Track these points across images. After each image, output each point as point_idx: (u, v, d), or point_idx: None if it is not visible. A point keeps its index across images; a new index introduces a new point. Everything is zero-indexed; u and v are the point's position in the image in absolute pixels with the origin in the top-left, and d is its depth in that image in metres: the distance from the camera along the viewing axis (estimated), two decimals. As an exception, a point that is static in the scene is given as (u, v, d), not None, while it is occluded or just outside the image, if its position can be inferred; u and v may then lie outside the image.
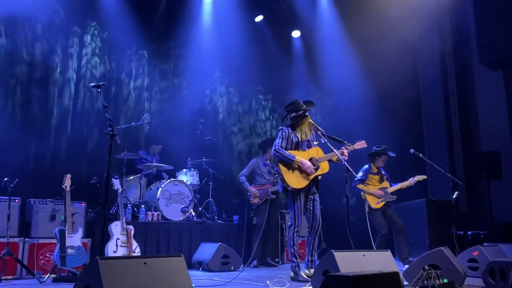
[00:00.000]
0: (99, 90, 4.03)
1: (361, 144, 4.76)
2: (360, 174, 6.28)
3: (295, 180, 4.58)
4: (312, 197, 4.67)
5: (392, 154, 6.33)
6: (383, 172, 6.37)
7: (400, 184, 6.23)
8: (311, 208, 4.65)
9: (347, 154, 4.54)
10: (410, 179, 6.21)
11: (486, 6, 7.26)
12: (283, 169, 4.61)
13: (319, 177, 4.76)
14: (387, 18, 7.64)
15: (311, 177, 4.59)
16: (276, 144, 4.66)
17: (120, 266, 2.48)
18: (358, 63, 8.28)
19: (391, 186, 6.27)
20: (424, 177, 6.27)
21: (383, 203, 6.15)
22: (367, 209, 6.16)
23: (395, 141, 6.48)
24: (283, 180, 4.62)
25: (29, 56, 6.46)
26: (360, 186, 6.22)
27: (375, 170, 6.30)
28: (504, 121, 7.53)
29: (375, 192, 6.18)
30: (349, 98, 8.13)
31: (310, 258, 4.63)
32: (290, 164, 4.56)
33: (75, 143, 6.82)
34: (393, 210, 6.24)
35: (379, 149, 6.27)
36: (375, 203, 6.14)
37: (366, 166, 6.36)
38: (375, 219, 6.13)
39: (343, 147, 4.62)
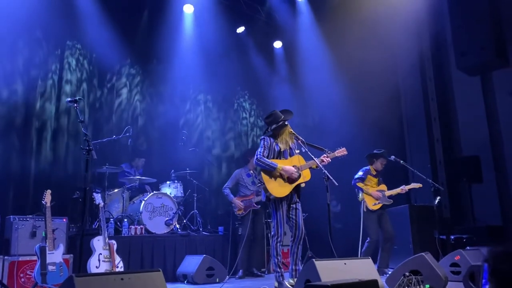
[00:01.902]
0: (75, 105, 4.02)
1: (341, 152, 4.79)
2: (360, 173, 6.26)
3: (277, 189, 4.58)
4: (294, 206, 4.67)
5: (390, 158, 6.36)
6: (380, 176, 6.40)
7: (394, 189, 6.20)
8: (294, 217, 4.65)
9: (326, 162, 4.58)
10: (402, 187, 6.22)
11: (462, 14, 7.42)
12: (265, 177, 4.61)
13: (302, 185, 4.78)
14: (367, 27, 7.76)
15: (294, 184, 4.60)
16: (258, 153, 4.68)
17: (97, 283, 2.45)
18: (338, 72, 8.36)
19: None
20: (420, 185, 6.29)
21: (380, 205, 6.12)
22: (364, 210, 6.09)
23: (377, 148, 6.52)
24: (265, 189, 4.62)
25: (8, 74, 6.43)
26: (360, 185, 6.17)
27: (374, 172, 6.31)
28: (483, 126, 7.66)
29: (374, 193, 6.12)
30: (330, 106, 8.20)
31: (294, 267, 4.63)
32: (272, 172, 4.57)
33: (56, 158, 6.77)
34: (388, 218, 6.21)
35: (378, 152, 6.31)
36: (372, 204, 6.09)
37: (366, 167, 6.33)
38: (369, 223, 6.05)
39: (323, 155, 4.66)
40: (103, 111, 7.53)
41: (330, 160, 4.64)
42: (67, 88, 7.11)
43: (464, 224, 7.50)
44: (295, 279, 4.52)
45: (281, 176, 4.59)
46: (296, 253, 4.63)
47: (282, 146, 4.71)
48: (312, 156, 4.56)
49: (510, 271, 1.44)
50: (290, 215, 4.66)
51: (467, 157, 7.67)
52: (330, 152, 4.74)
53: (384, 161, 6.30)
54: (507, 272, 1.45)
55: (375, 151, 6.32)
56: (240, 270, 6.37)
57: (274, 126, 4.73)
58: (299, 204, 4.72)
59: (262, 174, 4.64)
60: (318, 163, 4.50)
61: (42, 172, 6.56)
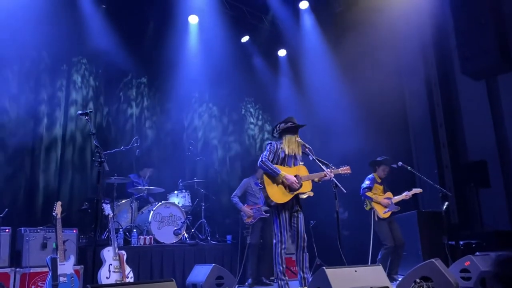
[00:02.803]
0: (86, 117, 4.07)
1: (345, 170, 4.75)
2: (367, 182, 6.24)
3: (278, 195, 4.57)
4: (295, 214, 4.67)
5: (397, 164, 6.34)
6: (385, 183, 6.39)
7: (398, 196, 6.19)
8: (295, 225, 4.65)
9: (329, 177, 4.58)
10: (406, 192, 6.22)
11: (465, 19, 7.44)
12: (267, 181, 4.59)
13: (305, 196, 4.77)
14: (370, 34, 7.79)
15: (294, 193, 4.61)
16: (263, 156, 4.68)
17: (112, 293, 2.48)
18: (343, 78, 8.39)
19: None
20: (420, 190, 6.28)
21: (390, 212, 6.10)
22: (375, 219, 6.06)
23: (384, 155, 6.53)
24: (266, 195, 4.59)
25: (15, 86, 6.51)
26: (369, 194, 6.15)
27: (379, 180, 6.30)
28: (489, 130, 7.62)
29: (383, 200, 6.11)
30: (335, 113, 8.21)
31: (302, 275, 4.61)
32: (274, 177, 4.59)
33: (65, 170, 6.83)
34: (397, 224, 6.19)
35: (380, 159, 6.31)
36: (382, 212, 6.08)
37: (371, 175, 6.32)
38: (382, 231, 6.03)
39: (327, 169, 4.65)
40: (111, 121, 7.60)
41: (333, 176, 4.62)
42: (75, 99, 7.20)
43: (472, 229, 7.44)
44: None
45: (282, 183, 4.60)
46: (302, 261, 4.62)
47: (287, 152, 4.72)
48: (321, 165, 4.58)
49: None
50: (292, 223, 4.67)
51: (474, 161, 7.64)
52: (334, 168, 4.73)
53: (386, 168, 6.30)
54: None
55: (377, 158, 6.33)
56: (249, 279, 6.37)
57: (282, 125, 4.77)
58: (301, 213, 4.71)
59: (265, 177, 4.63)
60: (328, 172, 4.52)
61: (51, 184, 6.62)
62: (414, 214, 6.80)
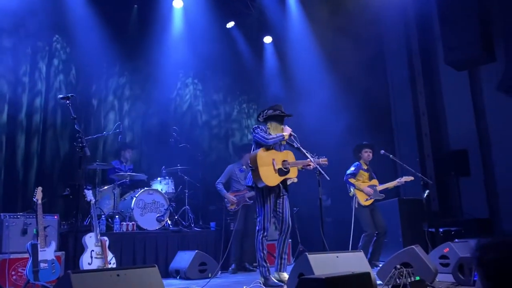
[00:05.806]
0: (67, 101, 4.00)
1: (324, 161, 4.76)
2: (352, 168, 6.25)
3: (269, 177, 4.50)
4: (281, 200, 4.67)
5: (380, 152, 6.38)
6: (371, 170, 6.43)
7: (389, 183, 6.23)
8: (280, 210, 4.66)
9: (312, 167, 4.59)
10: (398, 179, 6.27)
11: (450, 9, 7.49)
12: (260, 162, 4.50)
13: (294, 181, 4.80)
14: (355, 22, 7.80)
15: (282, 177, 4.58)
16: (262, 136, 4.59)
17: (93, 279, 2.46)
18: (327, 67, 8.40)
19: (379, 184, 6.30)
20: (412, 178, 6.29)
21: (371, 200, 6.14)
22: (356, 206, 6.09)
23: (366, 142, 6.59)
24: (257, 176, 4.50)
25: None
26: (352, 180, 6.18)
27: (365, 167, 6.32)
28: (470, 119, 7.76)
29: (365, 189, 6.13)
30: (319, 102, 8.20)
31: (280, 261, 4.61)
32: (265, 160, 4.52)
33: (46, 155, 6.72)
34: (379, 212, 6.25)
35: (358, 144, 6.34)
36: (364, 200, 6.11)
37: (357, 162, 6.33)
38: (363, 217, 6.07)
39: (308, 159, 4.65)
40: (92, 108, 7.48)
41: (315, 165, 4.61)
42: (56, 83, 7.06)
43: (452, 217, 7.60)
44: (281, 273, 4.54)
45: (272, 166, 4.56)
46: (282, 247, 4.63)
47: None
48: (306, 152, 4.57)
49: (497, 259, 1.49)
50: (277, 209, 4.67)
51: (455, 151, 7.77)
52: (316, 158, 4.72)
53: (367, 150, 6.32)
54: (493, 261, 1.50)
55: (356, 146, 6.38)
56: (233, 264, 6.40)
57: (270, 112, 4.75)
58: (287, 197, 4.71)
59: (258, 159, 4.51)
60: (311, 159, 4.53)
61: (31, 169, 6.51)
62: (396, 202, 6.90)
